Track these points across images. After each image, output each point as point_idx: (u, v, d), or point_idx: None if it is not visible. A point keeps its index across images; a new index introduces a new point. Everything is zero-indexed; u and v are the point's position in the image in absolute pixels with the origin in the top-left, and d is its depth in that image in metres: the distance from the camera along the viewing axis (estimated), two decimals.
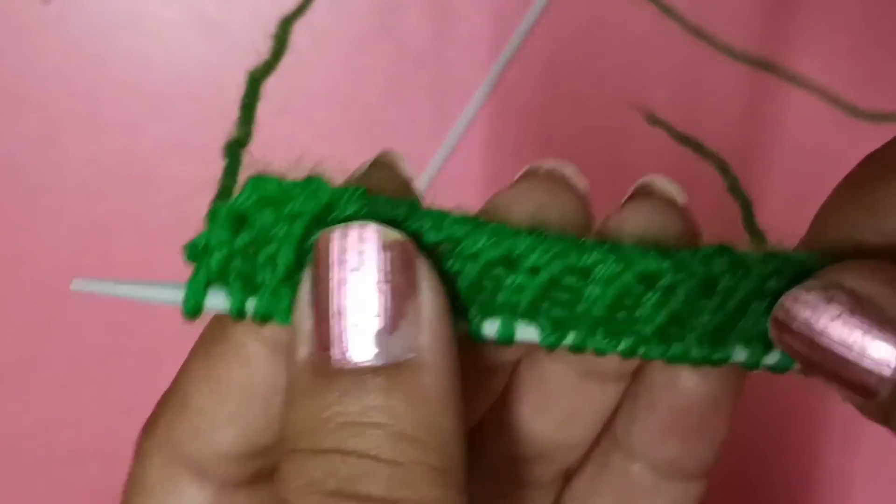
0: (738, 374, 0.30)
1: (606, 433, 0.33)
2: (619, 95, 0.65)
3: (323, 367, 0.24)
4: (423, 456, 0.24)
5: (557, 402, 0.32)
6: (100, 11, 0.64)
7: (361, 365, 0.24)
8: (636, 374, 0.31)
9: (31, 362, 0.66)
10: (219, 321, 0.29)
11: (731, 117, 0.66)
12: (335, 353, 0.24)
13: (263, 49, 0.31)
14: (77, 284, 0.27)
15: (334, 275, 0.25)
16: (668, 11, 0.65)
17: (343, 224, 0.25)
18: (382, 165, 0.29)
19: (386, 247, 0.25)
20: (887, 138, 0.29)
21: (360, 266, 0.24)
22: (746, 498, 0.63)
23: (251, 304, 0.27)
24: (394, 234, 0.25)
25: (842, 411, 0.60)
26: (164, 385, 0.31)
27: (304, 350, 0.25)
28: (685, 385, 0.30)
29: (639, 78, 0.66)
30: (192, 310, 0.27)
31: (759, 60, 0.66)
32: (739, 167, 0.66)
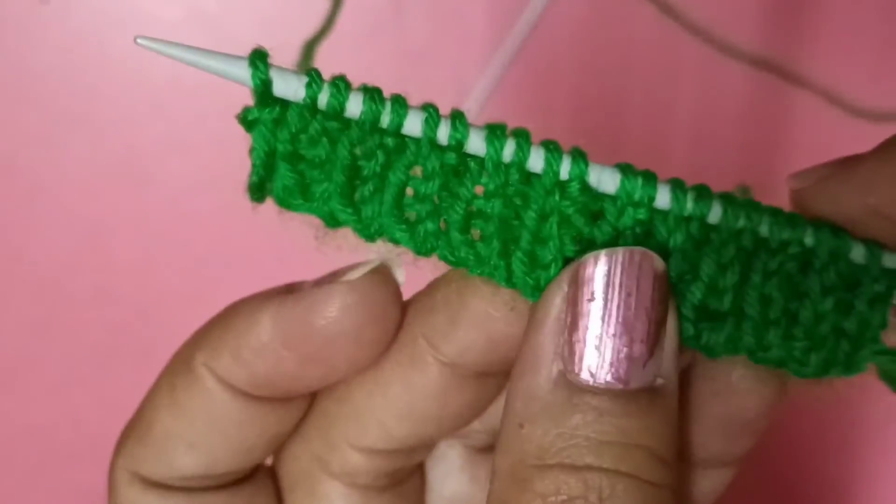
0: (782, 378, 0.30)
1: None
2: (620, 95, 0.65)
3: (577, 386, 0.24)
4: (671, 480, 0.25)
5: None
6: (98, 11, 0.64)
7: (620, 387, 0.24)
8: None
9: (31, 362, 0.66)
10: (184, 356, 0.30)
11: (732, 116, 0.66)
12: (595, 373, 0.24)
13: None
14: (143, 40, 0.25)
15: (603, 298, 0.25)
16: (668, 10, 0.65)
17: (610, 248, 0.25)
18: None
19: (658, 275, 0.25)
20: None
21: (633, 292, 0.25)
22: (746, 497, 0.63)
23: (324, 96, 0.26)
24: (662, 263, 0.25)
25: (842, 413, 0.59)
26: None
27: (555, 367, 0.25)
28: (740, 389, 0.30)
29: (639, 77, 0.66)
30: (261, 86, 0.26)
31: (761, 60, 0.65)
32: (740, 166, 0.66)
